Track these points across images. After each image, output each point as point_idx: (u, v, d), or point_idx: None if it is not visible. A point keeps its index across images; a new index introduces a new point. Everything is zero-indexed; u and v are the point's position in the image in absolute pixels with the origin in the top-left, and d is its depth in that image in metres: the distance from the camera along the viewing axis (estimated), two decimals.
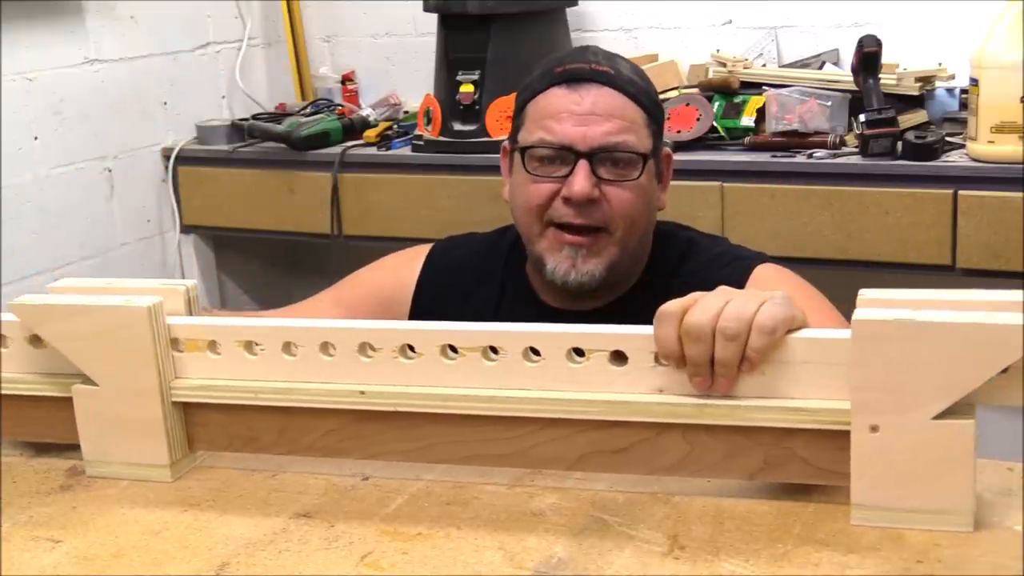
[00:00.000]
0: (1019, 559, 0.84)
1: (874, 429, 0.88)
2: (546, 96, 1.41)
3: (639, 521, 0.94)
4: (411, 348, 1.00)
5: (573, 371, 0.97)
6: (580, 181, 1.36)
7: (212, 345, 1.05)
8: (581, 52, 1.46)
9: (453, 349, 1.00)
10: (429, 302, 1.49)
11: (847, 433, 0.89)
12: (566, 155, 1.38)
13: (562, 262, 1.39)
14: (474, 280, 1.51)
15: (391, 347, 1.00)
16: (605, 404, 0.96)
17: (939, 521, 0.88)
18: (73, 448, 1.10)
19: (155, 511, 1.01)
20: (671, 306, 0.94)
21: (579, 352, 0.97)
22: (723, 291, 0.96)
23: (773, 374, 0.92)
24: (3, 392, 1.12)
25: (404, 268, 1.53)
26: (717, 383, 0.93)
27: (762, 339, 0.91)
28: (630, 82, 1.41)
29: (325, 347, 1.03)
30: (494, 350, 0.99)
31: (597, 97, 1.38)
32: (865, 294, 0.91)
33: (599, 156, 1.37)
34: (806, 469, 0.93)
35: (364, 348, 1.01)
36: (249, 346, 1.05)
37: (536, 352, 0.98)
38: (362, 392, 1.02)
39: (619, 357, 0.96)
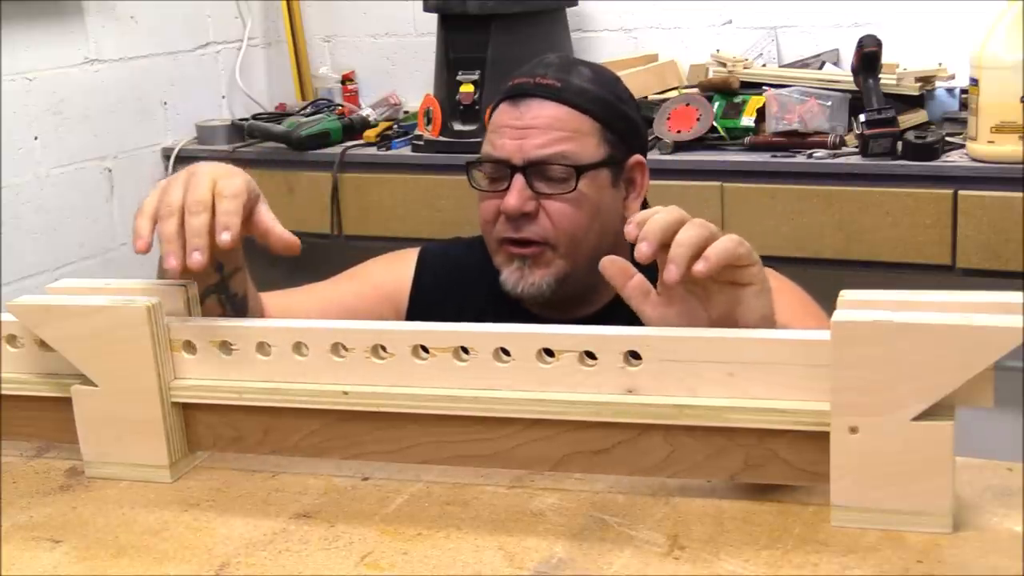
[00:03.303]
0: (1019, 559, 0.84)
1: (853, 430, 0.88)
2: (497, 112, 1.44)
3: (639, 521, 0.94)
4: (383, 348, 1.01)
5: (543, 371, 0.97)
6: (512, 196, 1.38)
7: (188, 345, 1.06)
8: (532, 66, 1.45)
9: (425, 349, 1.00)
10: (426, 308, 1.49)
11: (827, 434, 0.89)
12: (503, 170, 1.40)
13: (512, 274, 1.41)
14: (465, 287, 1.51)
15: (363, 347, 1.01)
16: (587, 405, 0.96)
17: (918, 522, 0.88)
18: (73, 448, 1.10)
19: (155, 511, 1.01)
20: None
21: (549, 352, 0.97)
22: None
23: (750, 376, 0.92)
24: (3, 392, 1.12)
25: (399, 270, 1.52)
26: (666, 270, 0.95)
27: (724, 243, 0.95)
28: (580, 92, 1.40)
29: (298, 347, 1.03)
30: (465, 350, 0.99)
31: (537, 111, 1.39)
32: (846, 295, 0.91)
33: (534, 169, 1.38)
34: (788, 470, 0.93)
35: (337, 348, 1.02)
36: (224, 346, 1.05)
37: (507, 352, 0.98)
38: (345, 392, 1.02)
39: (589, 357, 0.96)
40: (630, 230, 0.97)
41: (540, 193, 1.38)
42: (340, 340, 1.02)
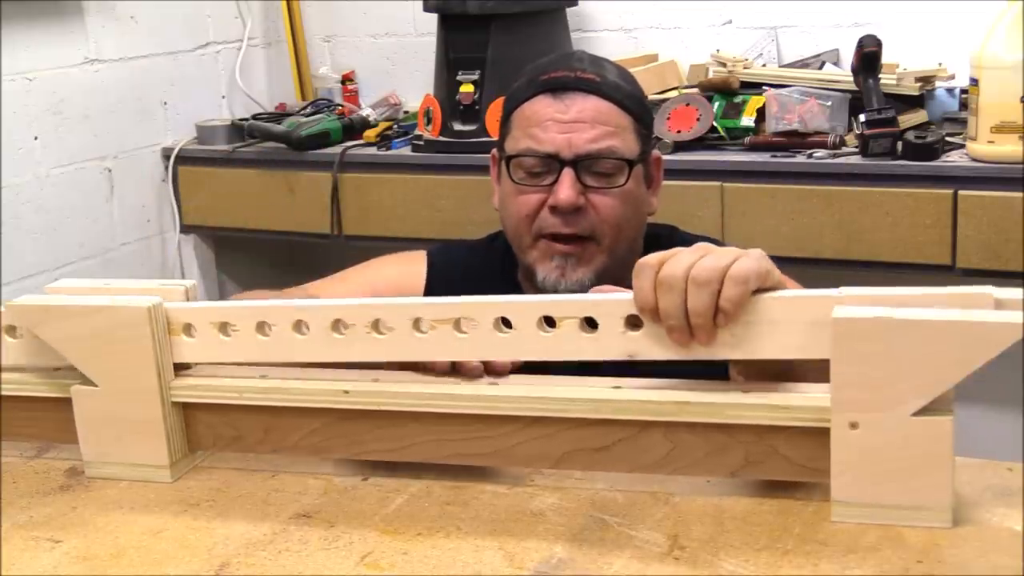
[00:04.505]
0: (1019, 559, 0.84)
1: (854, 426, 0.88)
2: (532, 104, 1.40)
3: (639, 521, 0.94)
4: (383, 323, 1.00)
5: (545, 340, 0.97)
6: (565, 189, 1.36)
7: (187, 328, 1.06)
8: (566, 59, 1.46)
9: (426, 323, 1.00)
10: None
11: (828, 430, 0.90)
12: (551, 163, 1.38)
13: (552, 272, 1.39)
14: (473, 289, 1.50)
15: (363, 323, 1.00)
16: (588, 402, 0.96)
17: (918, 517, 0.89)
18: (73, 448, 1.10)
19: (155, 511, 1.01)
20: (649, 258, 0.95)
21: (550, 322, 0.97)
22: (701, 246, 0.96)
23: (751, 336, 0.93)
24: (3, 392, 1.12)
25: (410, 271, 1.51)
26: (696, 335, 0.93)
27: (735, 288, 0.91)
28: (616, 87, 1.41)
29: (298, 325, 1.03)
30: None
31: (583, 105, 1.38)
32: (844, 292, 0.92)
33: (584, 163, 1.37)
34: (788, 466, 0.94)
35: (338, 325, 1.01)
36: (224, 327, 1.05)
37: (508, 324, 0.98)
38: (346, 391, 1.02)
39: (590, 325, 0.96)
40: (640, 306, 0.95)
41: (588, 187, 1.38)
42: (341, 317, 1.01)
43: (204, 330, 1.05)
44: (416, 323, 1.00)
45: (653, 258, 0.95)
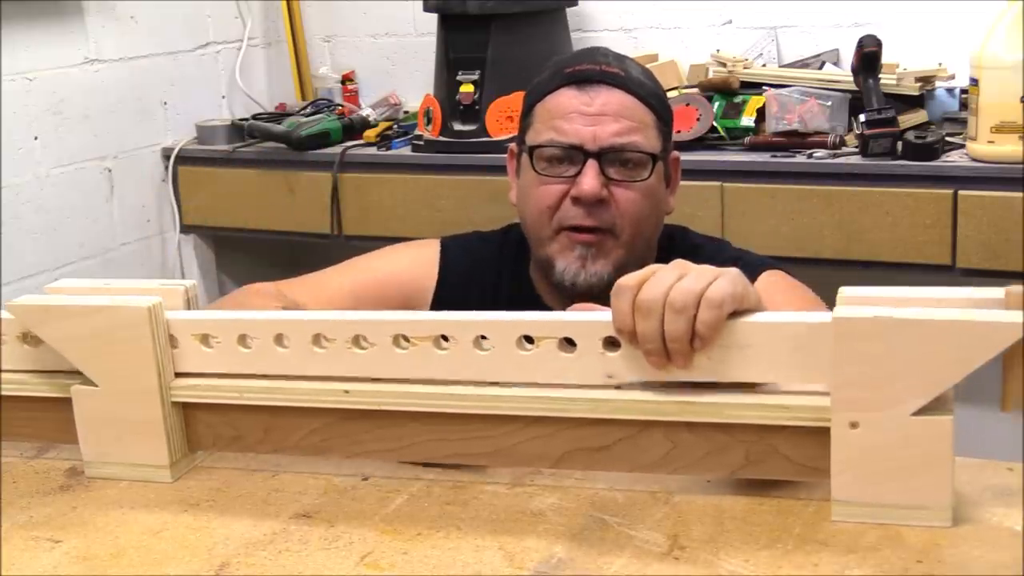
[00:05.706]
0: (1019, 559, 0.84)
1: (854, 426, 0.89)
2: (555, 97, 1.41)
3: (639, 521, 0.94)
4: (364, 338, 1.01)
5: (523, 358, 0.97)
6: (589, 180, 1.36)
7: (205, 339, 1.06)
8: (590, 53, 1.46)
9: (405, 339, 1.00)
10: (451, 304, 1.48)
11: (828, 430, 0.90)
12: (575, 155, 1.38)
13: (572, 263, 1.39)
14: (487, 281, 1.50)
15: (344, 337, 1.01)
16: (588, 402, 0.96)
17: (918, 516, 0.89)
18: (73, 448, 1.10)
19: (155, 511, 1.02)
20: (628, 280, 0.95)
21: (529, 340, 0.97)
22: (678, 264, 0.96)
23: (728, 360, 0.93)
24: (3, 392, 1.12)
25: (422, 263, 1.51)
26: (672, 359, 0.93)
27: (710, 313, 0.91)
28: (640, 84, 1.41)
29: (279, 339, 1.03)
30: (445, 339, 0.99)
31: (607, 98, 1.38)
32: (845, 292, 0.92)
33: (608, 156, 1.37)
34: (788, 466, 0.94)
35: (318, 339, 1.01)
36: (206, 339, 1.05)
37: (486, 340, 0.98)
38: (346, 391, 1.02)
39: (569, 344, 0.96)
40: (619, 328, 0.95)
41: (611, 179, 1.38)
42: (321, 331, 1.01)
43: (186, 342, 1.05)
44: (397, 339, 1.00)
45: (632, 279, 0.94)
